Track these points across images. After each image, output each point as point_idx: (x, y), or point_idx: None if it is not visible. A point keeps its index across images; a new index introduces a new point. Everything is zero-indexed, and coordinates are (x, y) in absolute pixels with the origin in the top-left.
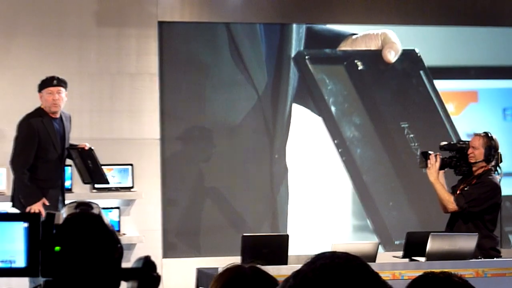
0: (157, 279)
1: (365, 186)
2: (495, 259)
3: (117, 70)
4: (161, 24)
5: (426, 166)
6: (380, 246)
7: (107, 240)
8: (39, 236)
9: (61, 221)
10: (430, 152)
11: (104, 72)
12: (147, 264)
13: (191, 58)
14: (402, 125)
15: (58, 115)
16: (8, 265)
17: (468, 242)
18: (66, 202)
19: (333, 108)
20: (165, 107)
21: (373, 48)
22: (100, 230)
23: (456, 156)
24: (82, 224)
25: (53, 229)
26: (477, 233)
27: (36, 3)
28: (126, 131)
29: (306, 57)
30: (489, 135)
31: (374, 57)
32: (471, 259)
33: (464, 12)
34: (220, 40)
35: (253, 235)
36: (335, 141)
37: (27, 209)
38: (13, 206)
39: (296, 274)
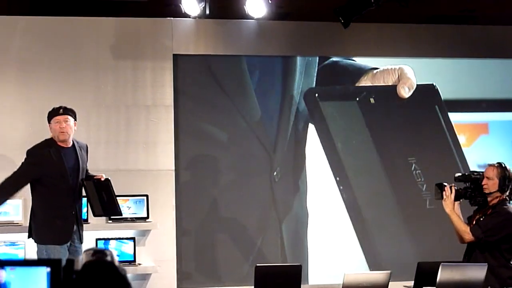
0: None
1: (364, 223)
2: None
3: (133, 102)
4: (176, 56)
5: (441, 197)
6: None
7: (120, 284)
8: (60, 279)
9: (79, 267)
10: (445, 183)
11: (120, 104)
12: None
13: (205, 90)
14: (410, 160)
15: (68, 144)
16: None
17: (478, 272)
18: (84, 238)
19: (339, 145)
20: (180, 139)
21: (390, 83)
22: (114, 276)
23: (471, 187)
24: (98, 270)
25: (72, 274)
26: (486, 264)
27: (53, 37)
28: (141, 162)
29: (316, 94)
30: (503, 165)
31: (388, 92)
32: None
33: (475, 45)
34: (234, 72)
35: (266, 265)
36: (337, 179)
37: None
38: (29, 237)
39: None
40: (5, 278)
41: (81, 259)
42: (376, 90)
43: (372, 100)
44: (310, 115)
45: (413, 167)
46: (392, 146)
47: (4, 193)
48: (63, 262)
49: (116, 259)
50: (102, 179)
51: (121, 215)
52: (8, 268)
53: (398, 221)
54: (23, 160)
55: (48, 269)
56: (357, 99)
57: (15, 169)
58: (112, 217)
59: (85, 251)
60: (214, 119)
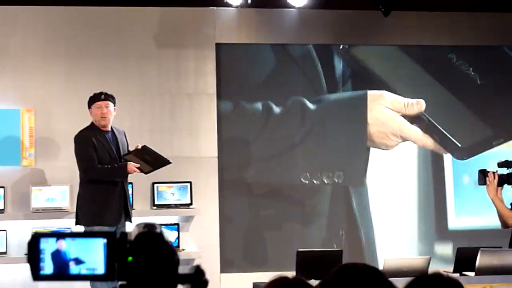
0: (206, 283)
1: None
2: None
3: (176, 90)
4: (218, 45)
5: (485, 183)
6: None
7: (168, 253)
8: (115, 249)
9: (133, 238)
10: (488, 169)
11: (164, 92)
12: (198, 270)
13: (247, 79)
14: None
15: (108, 128)
16: (91, 272)
17: None
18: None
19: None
20: (223, 126)
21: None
22: (162, 245)
23: None
24: (149, 240)
25: (126, 244)
26: None
27: (99, 27)
28: (185, 149)
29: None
30: None
31: None
32: None
33: None
34: (274, 61)
35: (308, 250)
36: None
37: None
38: (77, 223)
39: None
40: (66, 247)
41: (134, 231)
42: None
43: None
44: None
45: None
46: None
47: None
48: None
49: (165, 231)
50: (139, 148)
51: (170, 162)
52: (69, 239)
53: None
54: (74, 147)
55: (105, 240)
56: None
57: (61, 156)
58: (163, 167)
59: (137, 225)
60: (255, 107)
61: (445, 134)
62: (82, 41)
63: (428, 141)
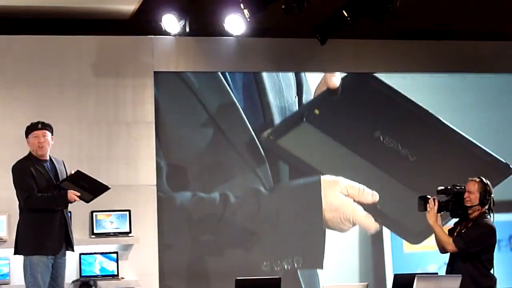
0: None
1: None
2: None
3: (114, 119)
4: (156, 74)
5: (425, 209)
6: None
7: None
8: None
9: None
10: (428, 196)
11: (102, 121)
12: None
13: (186, 106)
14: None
15: (46, 157)
16: None
17: (452, 283)
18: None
19: (319, 164)
20: (161, 155)
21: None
22: None
23: (453, 200)
24: None
25: None
26: (460, 275)
27: (35, 55)
28: (123, 177)
29: (271, 137)
30: (484, 180)
31: (323, 96)
32: None
33: (451, 59)
34: (214, 88)
35: (246, 278)
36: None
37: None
38: (15, 253)
39: None
40: None
41: None
42: (314, 101)
43: (316, 112)
44: (278, 157)
45: (381, 138)
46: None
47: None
48: (46, 279)
49: None
50: (73, 172)
51: (109, 188)
52: None
53: None
54: (13, 178)
55: None
56: (304, 119)
57: None
58: (103, 193)
59: (73, 282)
60: (196, 135)
61: (398, 223)
62: (19, 69)
63: (379, 227)
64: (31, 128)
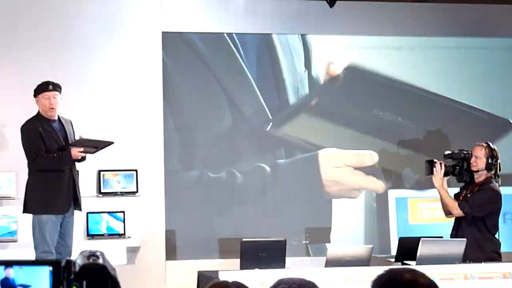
0: None
1: None
2: (482, 263)
3: (123, 79)
4: (165, 34)
5: (432, 173)
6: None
7: (109, 283)
8: (60, 277)
9: (77, 268)
10: (435, 160)
11: (110, 81)
12: None
13: (194, 67)
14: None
15: (55, 118)
16: None
17: (456, 247)
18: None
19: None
20: (169, 115)
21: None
22: (104, 276)
23: (459, 165)
24: (92, 272)
25: (71, 273)
26: (465, 239)
27: (43, 15)
28: (131, 137)
29: (267, 128)
30: (491, 145)
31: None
32: (460, 263)
33: (463, 21)
34: (223, 50)
35: (252, 240)
36: None
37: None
38: (24, 211)
39: None
40: (14, 275)
41: (78, 259)
42: (313, 92)
43: (313, 103)
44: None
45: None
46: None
47: (47, 156)
48: (54, 237)
49: (107, 259)
50: (78, 139)
51: (112, 142)
52: (16, 267)
53: None
54: (21, 137)
55: (50, 268)
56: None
57: (6, 144)
58: (107, 146)
59: (81, 253)
60: (204, 95)
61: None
62: (27, 29)
63: (385, 185)
64: (42, 89)
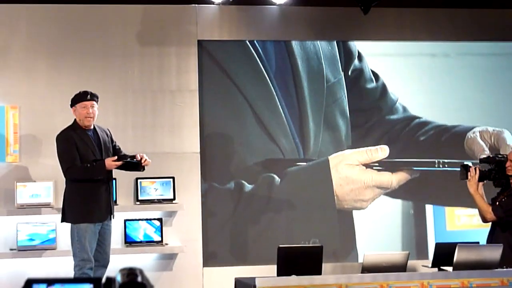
0: None
1: None
2: None
3: (159, 87)
4: (200, 42)
5: (466, 177)
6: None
7: None
8: None
9: (117, 286)
10: (470, 164)
11: (146, 89)
12: None
13: (229, 75)
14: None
15: (91, 127)
16: None
17: (493, 252)
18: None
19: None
20: (205, 122)
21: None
22: None
23: (495, 169)
24: None
25: None
26: (501, 244)
27: (80, 25)
28: (167, 145)
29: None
30: None
31: None
32: (497, 268)
33: (492, 28)
34: (255, 57)
35: (289, 246)
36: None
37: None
38: (63, 221)
39: None
40: None
41: (117, 277)
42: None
43: None
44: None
45: None
46: None
47: (81, 165)
48: (93, 245)
49: (146, 276)
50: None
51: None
52: (58, 285)
53: None
54: (57, 146)
55: (91, 286)
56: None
57: (45, 152)
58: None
59: (120, 270)
60: (238, 104)
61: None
62: (65, 39)
63: (402, 176)
64: (80, 98)
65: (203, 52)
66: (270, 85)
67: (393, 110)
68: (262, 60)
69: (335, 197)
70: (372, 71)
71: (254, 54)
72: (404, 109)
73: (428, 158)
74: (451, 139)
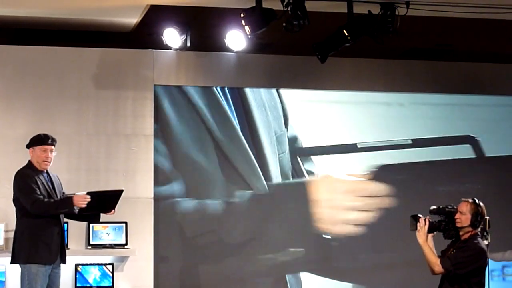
0: None
1: None
2: None
3: (114, 131)
4: (156, 87)
5: (415, 228)
6: None
7: None
8: None
9: None
10: (419, 215)
11: (101, 133)
12: None
13: (185, 120)
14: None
15: (45, 170)
16: None
17: None
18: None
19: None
20: (159, 167)
21: None
22: None
23: (445, 220)
24: None
25: None
26: None
27: (38, 68)
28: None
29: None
30: (477, 201)
31: None
32: None
33: (450, 80)
34: (213, 103)
35: None
36: None
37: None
38: (12, 262)
39: None
40: None
41: None
42: None
43: None
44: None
45: None
46: None
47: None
48: None
49: None
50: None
51: (122, 190)
52: None
53: None
54: (18, 182)
55: None
56: None
57: None
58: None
59: None
60: (194, 149)
61: None
62: (20, 80)
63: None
64: (41, 141)
65: (159, 97)
66: (236, 129)
67: None
68: (221, 105)
69: None
70: None
71: (212, 99)
72: None
73: None
74: None
